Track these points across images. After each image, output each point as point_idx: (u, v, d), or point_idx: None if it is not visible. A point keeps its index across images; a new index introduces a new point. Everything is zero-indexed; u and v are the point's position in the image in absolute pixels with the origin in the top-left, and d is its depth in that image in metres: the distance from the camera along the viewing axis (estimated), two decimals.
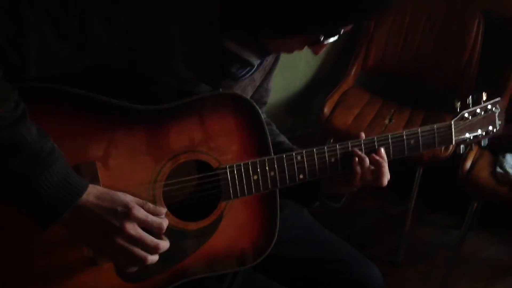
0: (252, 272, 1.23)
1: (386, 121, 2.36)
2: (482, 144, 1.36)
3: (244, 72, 1.12)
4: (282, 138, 1.36)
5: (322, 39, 1.01)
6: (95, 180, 0.98)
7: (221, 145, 1.08)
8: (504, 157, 2.14)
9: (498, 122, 1.34)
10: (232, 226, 1.12)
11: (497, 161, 2.14)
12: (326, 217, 1.48)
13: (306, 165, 1.14)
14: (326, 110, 2.36)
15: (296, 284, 1.29)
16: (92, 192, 0.93)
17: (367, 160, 1.17)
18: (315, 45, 1.05)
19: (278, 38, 1.02)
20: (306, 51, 1.08)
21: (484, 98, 1.32)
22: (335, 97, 2.46)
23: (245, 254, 1.15)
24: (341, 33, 1.02)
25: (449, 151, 2.23)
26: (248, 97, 1.24)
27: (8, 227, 0.95)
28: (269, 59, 1.23)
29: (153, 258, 0.97)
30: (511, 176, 2.03)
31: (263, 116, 1.20)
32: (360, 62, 2.63)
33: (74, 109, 0.97)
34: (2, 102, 0.85)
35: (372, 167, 1.18)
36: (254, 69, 1.14)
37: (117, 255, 0.95)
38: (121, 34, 0.94)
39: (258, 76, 1.25)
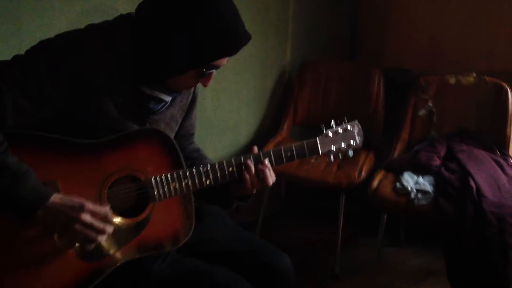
0: (180, 256, 1.53)
1: (313, 160, 2.73)
2: (350, 155, 1.72)
3: (159, 106, 1.50)
4: (208, 159, 1.71)
5: (205, 71, 1.40)
6: (57, 192, 1.33)
7: (147, 164, 1.43)
8: (402, 175, 2.51)
9: (358, 138, 1.70)
10: (159, 221, 1.44)
11: (397, 179, 2.51)
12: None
13: (210, 174, 1.49)
14: None
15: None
16: (57, 196, 1.30)
17: (252, 168, 1.51)
18: (203, 78, 1.44)
19: (173, 76, 1.41)
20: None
21: (346, 120, 1.71)
22: (271, 147, 2.82)
23: (167, 242, 1.46)
24: (219, 66, 1.42)
25: (362, 176, 2.60)
26: (175, 129, 1.63)
27: None
28: (182, 99, 1.60)
29: (102, 238, 1.32)
30: (407, 188, 2.39)
31: (194, 145, 1.68)
32: (291, 118, 3.05)
33: (39, 145, 1.35)
34: None
35: (258, 173, 1.52)
36: (167, 103, 1.52)
37: (76, 237, 1.31)
38: (65, 91, 1.31)
39: (178, 114, 1.62)
